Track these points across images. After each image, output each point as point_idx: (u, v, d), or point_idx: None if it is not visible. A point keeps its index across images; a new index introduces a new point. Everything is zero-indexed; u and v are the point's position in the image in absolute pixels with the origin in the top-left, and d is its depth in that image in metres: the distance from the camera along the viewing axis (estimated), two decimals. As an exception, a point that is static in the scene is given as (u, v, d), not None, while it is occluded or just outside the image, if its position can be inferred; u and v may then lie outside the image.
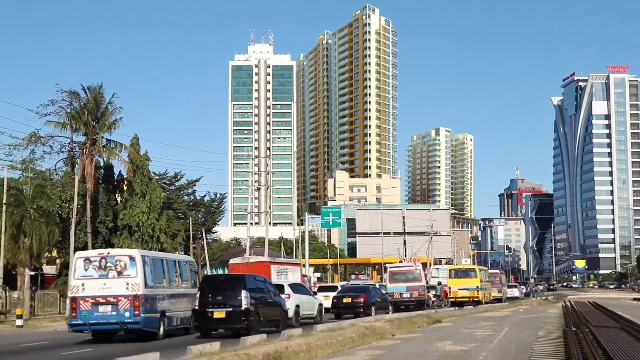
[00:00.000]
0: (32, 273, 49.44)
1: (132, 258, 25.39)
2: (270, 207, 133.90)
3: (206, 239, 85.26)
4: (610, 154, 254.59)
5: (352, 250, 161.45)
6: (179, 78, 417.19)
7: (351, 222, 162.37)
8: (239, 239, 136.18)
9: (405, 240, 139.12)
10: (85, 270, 25.23)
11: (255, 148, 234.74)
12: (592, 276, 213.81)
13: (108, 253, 26.20)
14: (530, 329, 27.52)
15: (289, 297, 32.51)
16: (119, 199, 57.41)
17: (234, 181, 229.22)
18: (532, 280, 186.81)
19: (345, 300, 41.35)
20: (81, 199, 49.48)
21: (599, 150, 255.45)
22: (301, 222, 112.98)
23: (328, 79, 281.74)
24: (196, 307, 26.26)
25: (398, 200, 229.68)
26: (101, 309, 24.70)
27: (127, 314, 24.62)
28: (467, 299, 55.61)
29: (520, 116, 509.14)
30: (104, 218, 54.10)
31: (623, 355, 16.93)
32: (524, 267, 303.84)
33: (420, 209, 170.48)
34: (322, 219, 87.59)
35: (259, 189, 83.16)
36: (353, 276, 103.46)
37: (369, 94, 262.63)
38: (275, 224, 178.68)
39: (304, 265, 75.74)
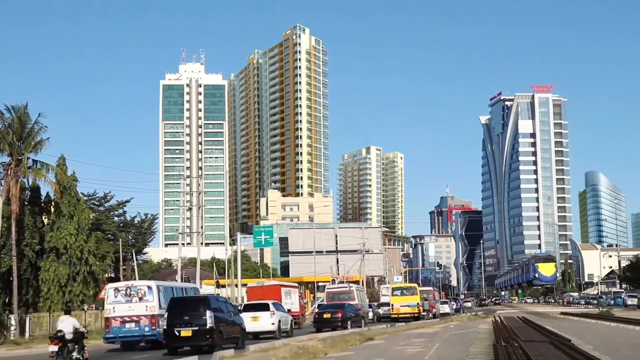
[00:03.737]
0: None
1: (149, 287, 33.47)
2: (202, 227, 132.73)
3: (136, 260, 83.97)
4: (535, 172, 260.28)
5: (284, 269, 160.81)
6: (109, 98, 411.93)
7: (284, 241, 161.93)
8: (170, 259, 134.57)
9: (337, 259, 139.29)
10: (115, 297, 33.31)
11: (187, 168, 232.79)
12: (519, 292, 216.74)
13: (132, 284, 34.18)
14: (460, 344, 27.64)
15: (273, 314, 38.54)
16: (45, 220, 55.99)
17: (166, 201, 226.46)
18: (462, 296, 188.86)
19: (325, 315, 45.88)
20: (6, 221, 48.14)
21: (525, 167, 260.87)
22: (233, 242, 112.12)
23: (259, 99, 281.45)
24: (165, 327, 28.56)
25: (330, 219, 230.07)
26: (127, 325, 32.43)
27: (146, 329, 32.24)
28: (409, 315, 58.59)
29: (449, 135, 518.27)
30: (30, 241, 52.67)
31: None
32: (454, 283, 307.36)
33: (352, 227, 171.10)
34: (254, 239, 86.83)
35: (190, 209, 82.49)
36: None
37: (300, 113, 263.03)
38: (207, 244, 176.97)
39: (236, 286, 75.18)
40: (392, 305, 60.67)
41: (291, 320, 42.36)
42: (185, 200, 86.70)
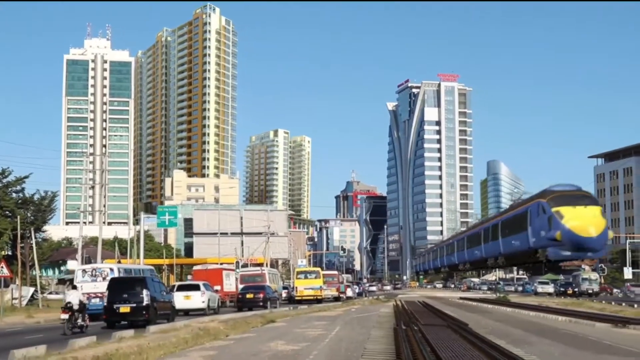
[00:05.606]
0: None
1: (111, 269, 39.88)
2: (104, 206, 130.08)
3: (35, 238, 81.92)
4: (440, 159, 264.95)
5: (189, 250, 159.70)
6: (9, 70, 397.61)
7: (188, 222, 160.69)
8: (70, 238, 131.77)
9: (242, 241, 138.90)
10: (83, 277, 39.57)
11: (91, 145, 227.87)
12: (421, 276, 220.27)
13: (97, 266, 41.25)
14: (362, 327, 28.03)
15: (204, 294, 43.61)
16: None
17: (68, 179, 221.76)
18: (365, 280, 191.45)
19: (248, 296, 49.04)
20: None
21: (430, 155, 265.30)
22: (137, 222, 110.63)
23: (167, 77, 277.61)
24: (105, 304, 32.22)
25: (236, 201, 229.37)
26: (93, 300, 36.33)
27: None
28: (312, 298, 60.97)
29: (357, 120, 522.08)
30: None
31: (448, 352, 17.54)
32: (357, 267, 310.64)
33: (257, 209, 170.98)
34: (158, 219, 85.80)
35: (93, 187, 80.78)
36: (189, 277, 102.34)
37: (208, 94, 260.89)
38: (110, 224, 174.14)
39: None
40: (296, 288, 62.98)
41: (218, 298, 47.84)
42: (88, 178, 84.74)
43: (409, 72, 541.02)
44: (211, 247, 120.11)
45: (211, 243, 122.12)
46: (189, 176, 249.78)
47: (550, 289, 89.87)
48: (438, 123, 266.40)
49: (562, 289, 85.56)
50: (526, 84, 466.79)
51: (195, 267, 68.10)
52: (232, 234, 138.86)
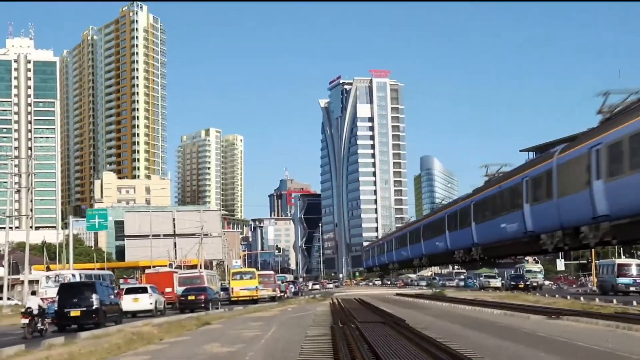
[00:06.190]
0: None
1: (73, 275, 45.65)
2: (31, 210, 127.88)
3: (-41, 245, 79.99)
4: (373, 155, 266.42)
5: (120, 253, 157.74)
6: None
7: (119, 224, 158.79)
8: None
9: (175, 243, 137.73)
10: (47, 282, 45.18)
11: (15, 148, 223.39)
12: (357, 273, 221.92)
13: (60, 272, 47.50)
14: (298, 327, 28.04)
15: (151, 296, 45.41)
16: None
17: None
18: (301, 279, 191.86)
19: (190, 297, 49.82)
20: None
21: (363, 151, 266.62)
22: (66, 226, 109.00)
23: (94, 77, 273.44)
24: (56, 308, 33.31)
25: (168, 202, 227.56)
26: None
27: None
28: (248, 298, 61.41)
29: (290, 118, 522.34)
30: None
31: (386, 349, 17.65)
32: (293, 266, 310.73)
33: (190, 210, 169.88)
34: (87, 222, 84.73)
35: (19, 191, 79.22)
36: (122, 280, 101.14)
37: (137, 93, 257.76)
38: (37, 228, 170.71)
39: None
40: (232, 288, 63.75)
41: (164, 300, 49.61)
42: (13, 182, 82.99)
43: (340, 68, 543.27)
44: (143, 250, 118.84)
45: (143, 245, 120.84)
46: (119, 178, 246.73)
47: (497, 283, 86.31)
48: (371, 119, 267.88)
49: (512, 283, 78.70)
50: (457, 79, 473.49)
51: (147, 271, 71.38)
52: (164, 235, 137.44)
